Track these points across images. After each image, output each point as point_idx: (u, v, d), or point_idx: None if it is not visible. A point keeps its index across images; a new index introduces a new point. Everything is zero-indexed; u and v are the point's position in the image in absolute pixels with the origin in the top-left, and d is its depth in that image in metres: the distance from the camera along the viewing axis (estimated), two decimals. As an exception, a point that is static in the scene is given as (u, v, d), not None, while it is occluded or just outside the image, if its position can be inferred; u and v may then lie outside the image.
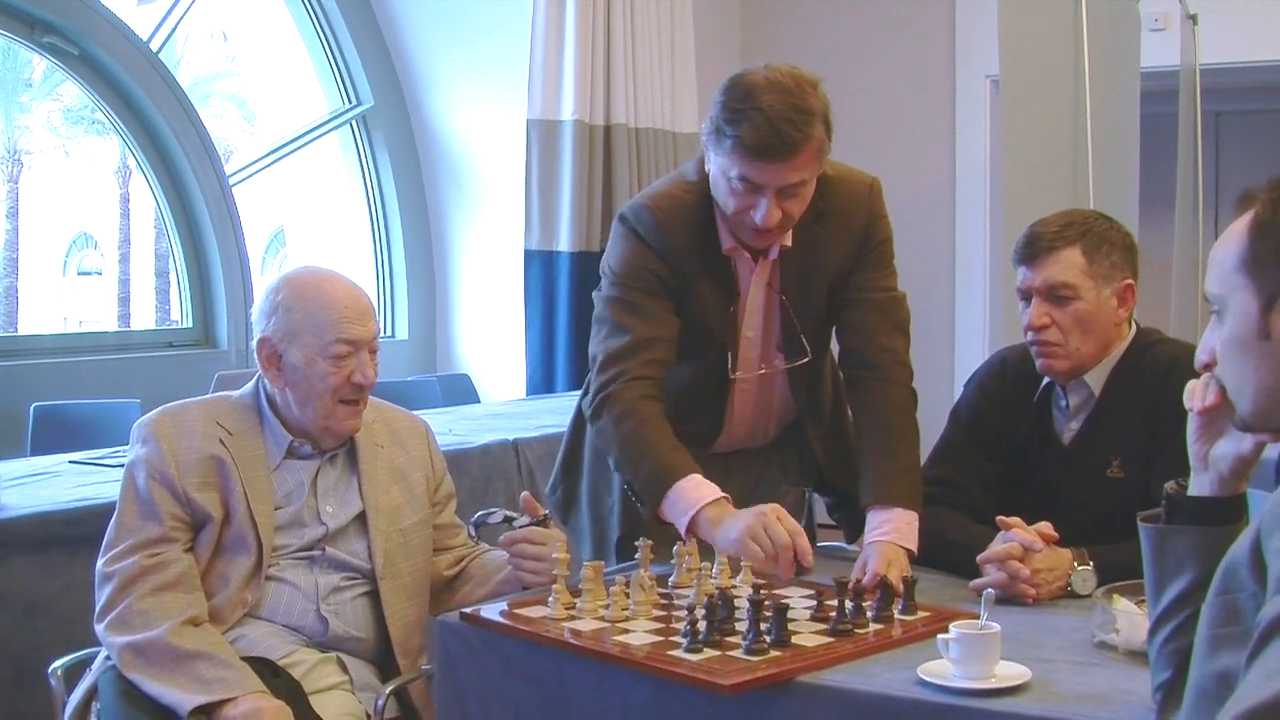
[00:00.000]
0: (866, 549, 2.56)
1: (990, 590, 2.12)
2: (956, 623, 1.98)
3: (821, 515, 3.18)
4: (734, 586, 2.45)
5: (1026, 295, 2.66)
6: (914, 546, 2.55)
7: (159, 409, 2.59)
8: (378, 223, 6.71)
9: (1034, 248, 2.63)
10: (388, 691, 2.50)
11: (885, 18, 7.25)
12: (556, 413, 5.25)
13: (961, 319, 6.94)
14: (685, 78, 6.59)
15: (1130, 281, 2.65)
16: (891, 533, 2.54)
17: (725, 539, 2.42)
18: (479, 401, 6.26)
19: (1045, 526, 2.44)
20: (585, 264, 6.06)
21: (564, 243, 6.07)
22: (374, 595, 2.60)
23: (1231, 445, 1.71)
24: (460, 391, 6.23)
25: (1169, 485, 1.81)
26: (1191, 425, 1.76)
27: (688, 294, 2.71)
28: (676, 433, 2.62)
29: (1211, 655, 1.49)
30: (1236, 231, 1.61)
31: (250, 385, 2.66)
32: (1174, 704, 1.70)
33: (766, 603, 2.10)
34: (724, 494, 2.50)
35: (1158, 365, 2.63)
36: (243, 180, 6.03)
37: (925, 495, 2.77)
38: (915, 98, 7.10)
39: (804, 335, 2.77)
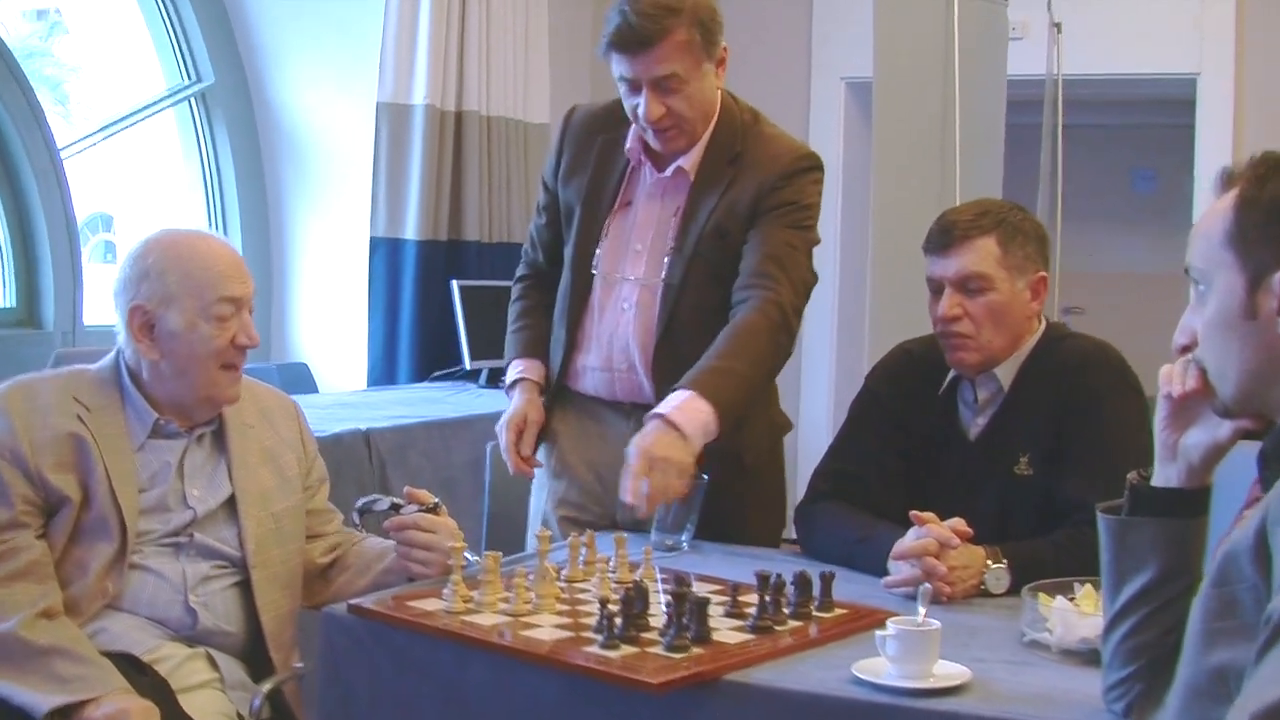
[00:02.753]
0: (645, 423, 2.54)
1: (927, 585, 2.02)
2: (894, 618, 1.88)
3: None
4: (634, 581, 2.32)
5: (938, 286, 2.57)
6: (690, 429, 2.50)
7: (7, 382, 2.35)
8: (214, 205, 6.42)
9: (947, 236, 2.54)
10: (265, 691, 2.30)
11: (741, 19, 7.17)
12: (405, 404, 5.10)
13: (809, 319, 6.88)
14: (538, 67, 6.47)
15: (1043, 274, 2.59)
16: (672, 410, 2.51)
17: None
18: (318, 391, 6.03)
19: (959, 523, 2.36)
20: (432, 253, 5.91)
21: (411, 230, 5.87)
22: (244, 586, 2.40)
23: (1205, 434, 1.63)
24: (298, 380, 5.98)
25: (1131, 475, 1.72)
26: (1161, 411, 1.68)
27: (565, 189, 2.92)
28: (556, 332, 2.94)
29: (1206, 650, 1.40)
30: (1221, 208, 1.54)
31: (109, 359, 2.44)
32: (1148, 703, 1.61)
33: (687, 597, 1.96)
34: (524, 376, 2.96)
35: (1069, 361, 2.56)
36: (71, 156, 5.71)
37: (826, 490, 2.69)
38: (771, 100, 6.98)
39: (676, 257, 2.79)
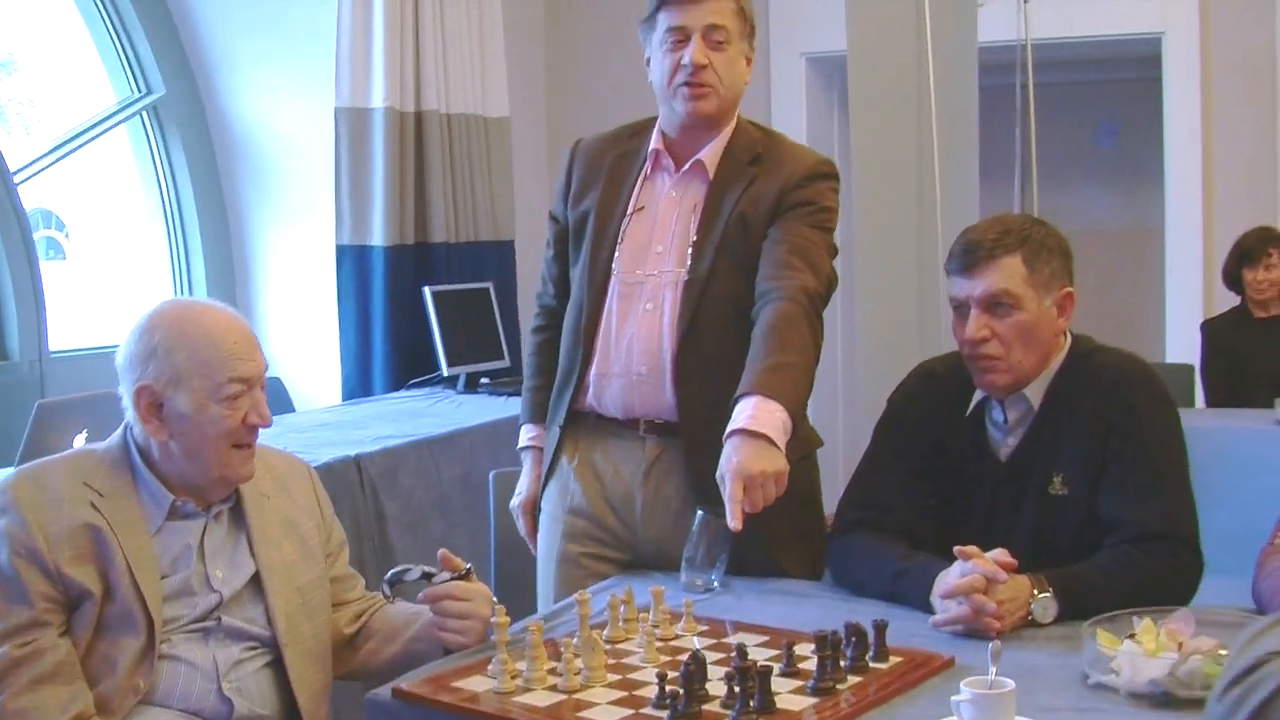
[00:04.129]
0: (725, 443, 2.44)
1: (997, 642, 1.96)
2: (968, 680, 1.83)
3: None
4: (678, 636, 2.28)
5: (963, 307, 2.51)
6: (773, 433, 2.42)
7: (14, 472, 2.25)
8: (173, 221, 6.29)
9: (972, 256, 2.48)
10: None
11: (696, -3, 7.11)
12: (387, 419, 5.02)
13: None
14: (495, 61, 6.36)
15: (1070, 289, 2.53)
16: (748, 420, 2.42)
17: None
18: (293, 408, 5.93)
19: (1003, 554, 2.31)
20: (400, 257, 5.81)
21: (378, 236, 5.77)
22: (276, 665, 2.32)
23: None
24: (274, 398, 5.79)
25: None
26: None
27: (577, 206, 2.93)
28: (566, 356, 2.91)
29: None
30: None
31: (116, 438, 2.34)
32: None
33: (750, 671, 1.90)
34: (534, 444, 3.02)
35: (1100, 376, 2.51)
36: (25, 181, 5.56)
37: (855, 520, 2.63)
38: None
39: (698, 251, 2.78)
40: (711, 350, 2.73)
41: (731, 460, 2.38)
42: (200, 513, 2.32)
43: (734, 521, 2.34)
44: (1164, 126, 6.49)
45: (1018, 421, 2.55)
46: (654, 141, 2.88)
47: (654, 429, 2.79)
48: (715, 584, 2.60)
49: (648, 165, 2.88)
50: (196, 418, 2.24)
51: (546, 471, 2.92)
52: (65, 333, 5.67)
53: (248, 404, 2.29)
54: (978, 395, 2.58)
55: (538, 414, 3.02)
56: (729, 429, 2.45)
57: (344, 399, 5.81)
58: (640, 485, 2.80)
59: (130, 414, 2.29)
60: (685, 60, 2.74)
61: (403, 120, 5.82)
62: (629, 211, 2.86)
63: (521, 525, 3.00)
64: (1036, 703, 1.92)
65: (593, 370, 2.83)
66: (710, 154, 2.83)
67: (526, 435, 3.04)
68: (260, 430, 2.33)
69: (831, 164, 2.88)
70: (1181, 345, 6.13)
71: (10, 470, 2.28)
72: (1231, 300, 5.45)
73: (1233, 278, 5.35)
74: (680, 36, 2.75)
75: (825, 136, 7.45)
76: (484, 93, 6.29)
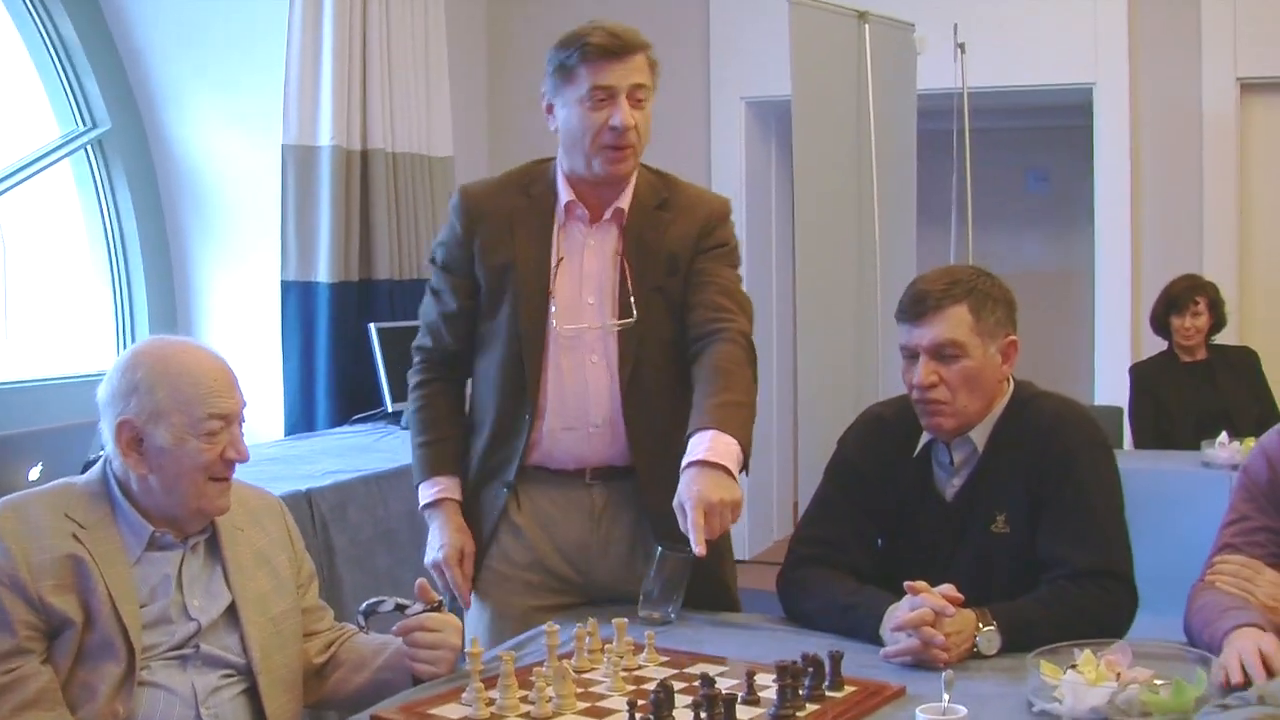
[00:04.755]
0: (683, 475, 2.53)
1: (950, 672, 2.07)
2: (923, 708, 1.94)
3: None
4: (641, 666, 2.37)
5: (912, 354, 2.63)
6: (730, 464, 2.53)
7: (-6, 504, 2.31)
8: (116, 254, 6.30)
9: (921, 306, 2.60)
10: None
11: (638, 41, 7.25)
12: (333, 454, 5.07)
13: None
14: (440, 101, 6.47)
15: (1013, 337, 2.66)
16: (706, 452, 2.52)
17: (427, 551, 2.91)
18: (237, 442, 5.94)
19: (950, 589, 2.42)
20: (344, 294, 5.90)
21: (323, 273, 5.85)
22: (251, 692, 2.39)
23: None
24: (217, 432, 5.90)
25: None
26: None
27: (491, 258, 2.88)
28: (496, 411, 2.89)
29: None
30: None
31: (96, 471, 2.40)
32: None
33: (717, 699, 2.00)
34: (447, 496, 2.92)
35: (1040, 422, 2.64)
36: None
37: (807, 556, 2.74)
38: (673, 120, 7.08)
39: (631, 299, 2.82)
40: (654, 392, 2.84)
41: (691, 489, 2.48)
42: (178, 544, 2.39)
43: (699, 548, 2.44)
44: (1094, 173, 6.70)
45: (963, 463, 2.67)
46: (564, 193, 2.87)
47: (599, 475, 2.87)
48: (672, 616, 2.69)
49: (561, 216, 2.88)
50: (175, 452, 2.31)
51: (490, 531, 2.91)
52: (6, 364, 5.69)
53: (226, 439, 2.36)
54: (924, 438, 2.70)
55: (446, 466, 2.93)
56: (687, 460, 2.55)
57: (286, 433, 5.85)
58: (592, 532, 2.88)
59: (110, 447, 2.35)
60: (615, 123, 2.74)
61: (349, 158, 5.90)
62: (553, 264, 2.86)
63: (450, 577, 2.85)
64: (985, 729, 2.03)
65: (544, 426, 2.85)
66: (625, 201, 2.87)
67: (434, 489, 2.92)
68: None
69: (725, 200, 3.04)
70: (1110, 387, 6.31)
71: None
72: (1158, 344, 5.63)
73: (1160, 323, 5.52)
74: (605, 95, 2.74)
75: (763, 177, 7.62)
76: (429, 132, 6.39)
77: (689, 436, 2.60)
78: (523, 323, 2.83)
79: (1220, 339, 5.56)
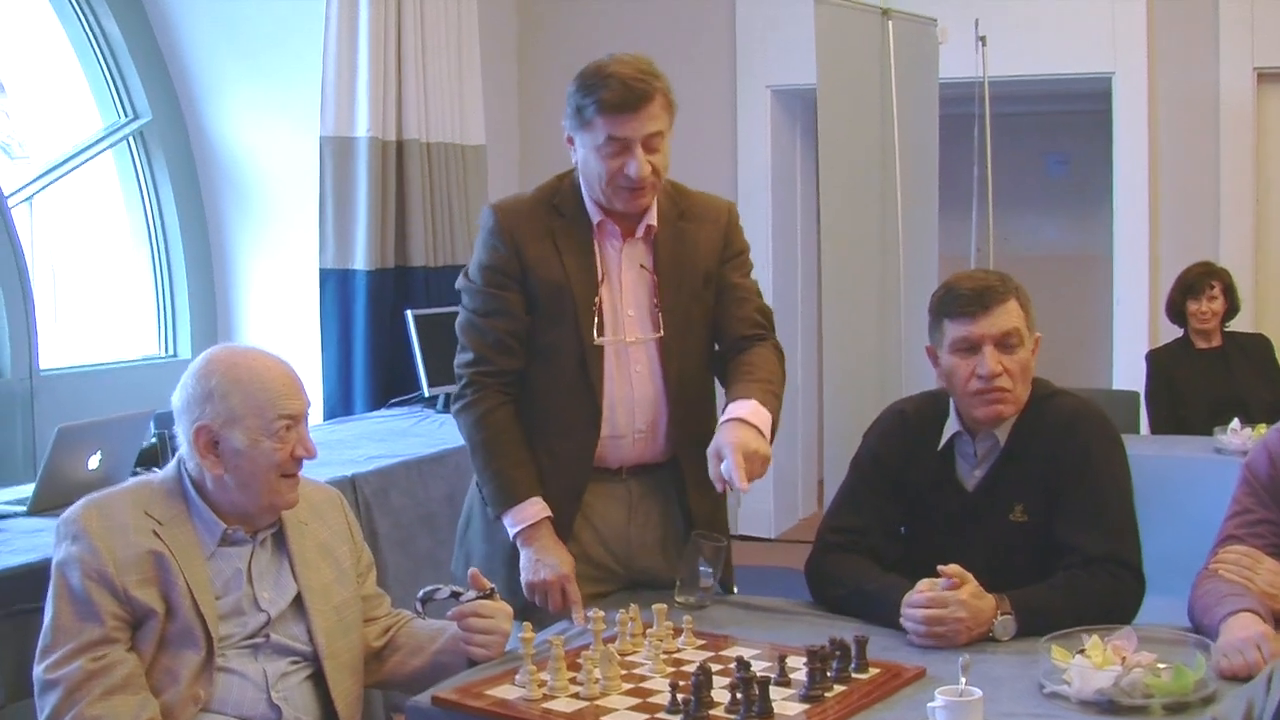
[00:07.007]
0: (719, 429, 2.74)
1: (967, 656, 2.24)
2: (941, 689, 2.11)
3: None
4: (680, 649, 2.55)
5: (974, 346, 2.78)
6: (763, 427, 2.74)
7: (81, 502, 2.49)
8: (157, 243, 6.48)
9: (986, 299, 2.77)
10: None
11: (665, 31, 7.39)
12: (373, 439, 5.22)
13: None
14: (473, 91, 6.60)
15: (1039, 335, 2.83)
16: (745, 412, 2.74)
17: (524, 573, 2.86)
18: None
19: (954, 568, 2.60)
20: (381, 281, 6.05)
21: (360, 261, 6.00)
22: (317, 676, 2.58)
23: None
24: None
25: None
26: None
27: (544, 275, 2.94)
28: (558, 419, 2.96)
29: None
30: None
31: (170, 470, 2.59)
32: None
33: (753, 680, 2.18)
34: (548, 516, 2.89)
35: (1060, 417, 2.81)
36: (18, 204, 5.75)
37: (834, 544, 2.90)
38: (700, 110, 7.24)
39: (667, 310, 2.97)
40: (695, 398, 3.04)
41: (731, 437, 2.69)
42: (248, 539, 2.57)
43: (743, 484, 2.63)
44: (1113, 160, 6.82)
45: (985, 455, 2.84)
46: (595, 214, 2.95)
47: (634, 471, 3.04)
48: (707, 601, 2.87)
49: (596, 234, 2.97)
50: (251, 453, 2.49)
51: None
52: (55, 351, 5.86)
53: (294, 438, 2.55)
54: (949, 431, 2.86)
55: (536, 489, 2.92)
56: (726, 417, 2.77)
57: (325, 418, 6.02)
58: (627, 523, 3.04)
59: (186, 449, 2.53)
60: (630, 172, 2.82)
61: (385, 149, 6.05)
62: (599, 280, 2.96)
63: (569, 593, 2.83)
64: (999, 709, 2.19)
65: (603, 434, 2.98)
66: (653, 218, 2.98)
67: (533, 509, 2.89)
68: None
69: (731, 202, 3.17)
70: (1128, 371, 6.43)
71: (80, 501, 2.51)
72: (1175, 331, 5.76)
73: (1176, 310, 5.65)
74: (620, 147, 2.81)
75: (789, 165, 7.75)
76: (462, 122, 6.53)
77: (728, 402, 2.83)
78: (585, 338, 2.93)
79: (1235, 325, 5.68)
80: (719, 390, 3.06)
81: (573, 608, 2.80)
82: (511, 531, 2.89)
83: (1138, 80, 6.67)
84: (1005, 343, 2.77)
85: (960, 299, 2.80)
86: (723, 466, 2.66)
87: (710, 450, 2.71)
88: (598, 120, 2.81)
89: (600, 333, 2.94)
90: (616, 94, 2.79)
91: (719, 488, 2.70)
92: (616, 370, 2.97)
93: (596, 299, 2.95)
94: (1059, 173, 9.04)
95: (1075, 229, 8.97)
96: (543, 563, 2.84)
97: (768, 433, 2.75)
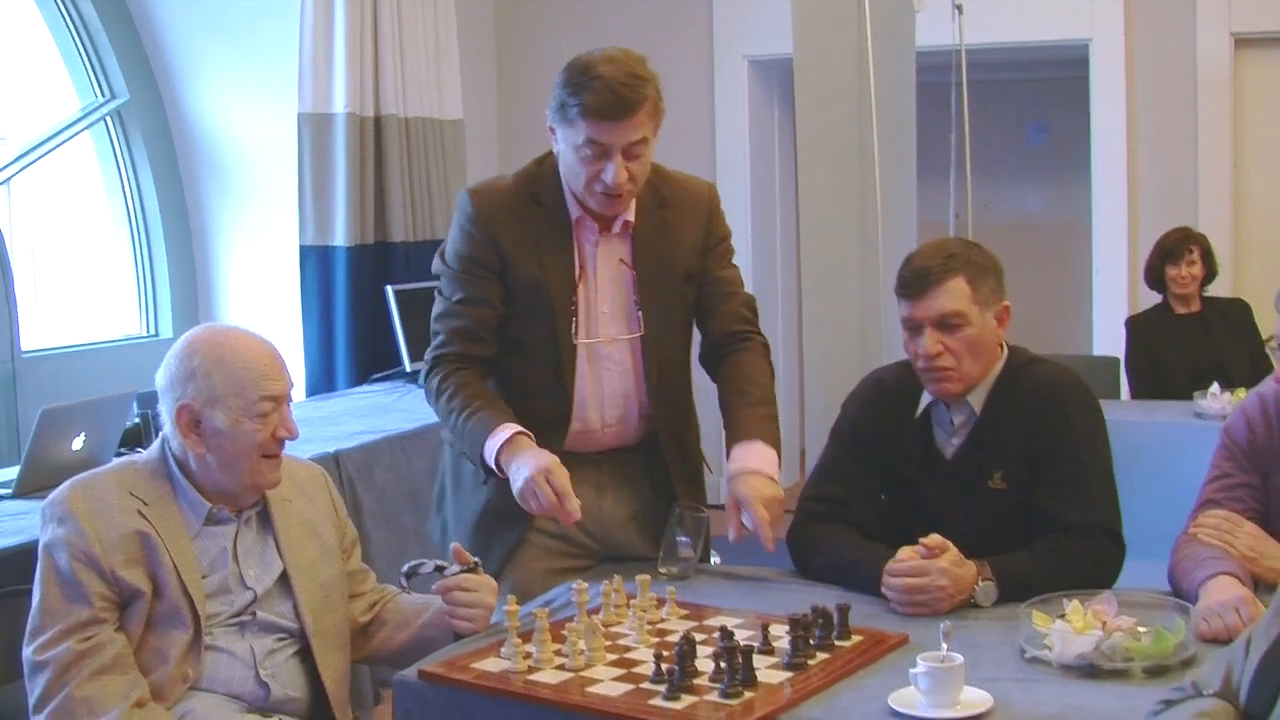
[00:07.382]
0: (733, 480, 2.80)
1: (948, 623, 2.26)
2: (923, 655, 2.13)
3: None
4: (663, 620, 2.56)
5: (916, 326, 2.80)
6: (774, 474, 2.82)
7: (67, 484, 2.49)
8: (136, 223, 6.47)
9: (923, 281, 2.77)
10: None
11: (644, 4, 7.37)
12: (355, 415, 5.24)
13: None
14: (450, 66, 6.60)
15: (1007, 303, 2.84)
16: (756, 462, 2.82)
17: (512, 486, 2.75)
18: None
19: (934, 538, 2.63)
20: (361, 257, 6.07)
21: (340, 237, 6.02)
22: (304, 653, 2.59)
23: None
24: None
25: None
26: None
27: (522, 270, 2.91)
28: (527, 411, 2.90)
29: None
30: None
31: (155, 450, 2.59)
32: None
33: (736, 649, 2.20)
34: (520, 431, 2.80)
35: (1038, 385, 2.82)
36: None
37: (815, 513, 2.93)
38: (677, 80, 7.19)
39: (648, 308, 2.96)
40: (674, 387, 3.07)
41: (747, 490, 2.78)
42: (233, 518, 2.58)
43: (769, 542, 2.75)
44: (1091, 127, 6.83)
45: (962, 424, 2.86)
46: (574, 209, 2.91)
47: (605, 454, 3.05)
48: (689, 572, 2.89)
49: (574, 230, 2.93)
50: (232, 433, 2.49)
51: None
52: (36, 333, 5.85)
53: (276, 419, 2.55)
54: (925, 400, 2.88)
55: (508, 416, 2.84)
56: (739, 467, 2.83)
57: (307, 394, 6.03)
58: (598, 500, 3.02)
59: (169, 429, 2.53)
60: (607, 179, 2.76)
61: (363, 124, 6.06)
62: (576, 278, 2.92)
63: (545, 496, 2.70)
64: (981, 675, 2.21)
65: (572, 427, 2.97)
66: (632, 214, 2.94)
67: (505, 432, 2.79)
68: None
69: (711, 184, 3.13)
70: (1107, 337, 6.47)
71: (66, 483, 2.52)
72: (1154, 297, 5.79)
73: (1155, 275, 5.67)
74: (600, 151, 2.75)
75: (766, 135, 7.76)
76: (439, 97, 6.53)
77: (734, 444, 2.88)
78: (560, 336, 2.92)
79: (1214, 291, 5.72)
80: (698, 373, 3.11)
81: (563, 500, 2.70)
82: (492, 458, 2.79)
83: (1115, 47, 6.68)
84: (945, 323, 2.77)
85: (902, 279, 2.83)
86: (745, 519, 2.76)
87: (728, 502, 2.79)
88: (580, 122, 2.74)
89: (577, 333, 2.94)
90: (602, 99, 2.71)
91: (733, 536, 2.79)
92: (589, 368, 2.97)
93: (574, 298, 2.92)
94: (1038, 140, 9.06)
95: (1054, 196, 8.99)
96: (524, 465, 2.73)
97: (775, 474, 2.82)
